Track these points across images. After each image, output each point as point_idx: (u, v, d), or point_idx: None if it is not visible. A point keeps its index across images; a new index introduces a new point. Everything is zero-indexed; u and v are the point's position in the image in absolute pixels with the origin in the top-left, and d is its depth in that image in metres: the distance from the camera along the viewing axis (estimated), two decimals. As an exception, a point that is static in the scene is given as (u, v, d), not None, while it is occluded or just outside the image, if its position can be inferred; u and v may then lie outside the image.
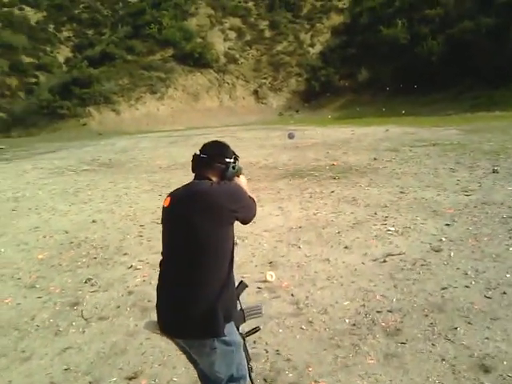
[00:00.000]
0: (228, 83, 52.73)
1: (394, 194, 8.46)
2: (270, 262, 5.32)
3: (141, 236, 6.99)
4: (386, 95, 39.01)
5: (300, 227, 6.72)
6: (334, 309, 4.01)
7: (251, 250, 5.84)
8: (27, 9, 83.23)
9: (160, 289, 2.22)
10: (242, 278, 4.92)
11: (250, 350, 2.54)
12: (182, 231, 2.14)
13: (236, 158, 2.39)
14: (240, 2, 61.79)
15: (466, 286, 4.24)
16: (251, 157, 15.89)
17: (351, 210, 7.45)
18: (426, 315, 3.76)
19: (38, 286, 5.17)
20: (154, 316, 4.08)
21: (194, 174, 2.36)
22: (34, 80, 71.92)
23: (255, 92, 52.01)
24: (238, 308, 2.45)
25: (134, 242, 6.67)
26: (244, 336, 2.47)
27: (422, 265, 4.86)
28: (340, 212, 7.40)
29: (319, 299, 4.22)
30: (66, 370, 3.37)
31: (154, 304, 4.19)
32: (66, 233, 7.60)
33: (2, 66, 70.94)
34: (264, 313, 2.67)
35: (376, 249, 5.49)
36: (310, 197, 8.76)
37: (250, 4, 61.93)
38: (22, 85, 70.26)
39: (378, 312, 3.87)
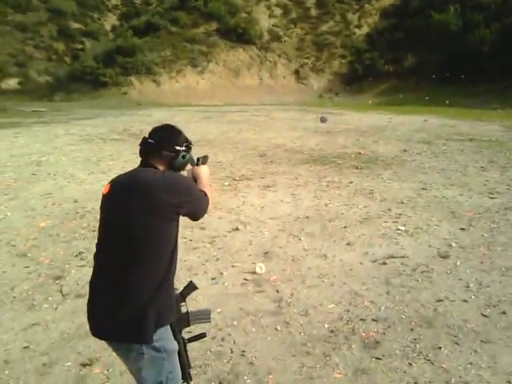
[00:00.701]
0: (269, 61, 51.98)
1: (414, 189, 8.04)
2: (266, 253, 5.10)
3: (145, 212, 6.87)
4: (430, 83, 37.62)
5: (307, 217, 6.45)
6: (316, 311, 3.76)
7: (250, 238, 5.63)
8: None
9: (91, 284, 2.03)
10: (233, 266, 4.78)
11: (193, 355, 2.35)
12: (117, 223, 1.94)
13: (188, 146, 2.16)
14: (289, -22, 60.42)
15: (464, 301, 3.91)
16: (280, 138, 15.59)
17: (365, 204, 7.11)
18: (412, 329, 3.47)
19: (29, 254, 5.13)
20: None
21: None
22: (80, 46, 73.02)
23: (296, 72, 51.11)
24: (184, 311, 2.25)
25: (136, 218, 6.56)
26: (186, 342, 2.27)
27: (423, 271, 4.53)
28: (353, 205, 7.07)
29: (304, 299, 3.98)
30: (25, 348, 3.28)
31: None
32: (75, 202, 7.58)
33: (50, 30, 72.25)
34: (211, 319, 2.44)
35: (379, 248, 5.18)
36: (327, 186, 8.44)
37: (299, -20, 60.46)
38: (69, 50, 71.46)
39: (361, 320, 3.61)
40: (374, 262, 4.80)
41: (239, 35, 52.20)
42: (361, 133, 16.99)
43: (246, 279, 4.39)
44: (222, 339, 3.36)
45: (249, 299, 3.98)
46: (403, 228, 5.88)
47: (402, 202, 7.17)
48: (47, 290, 4.21)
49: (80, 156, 12.37)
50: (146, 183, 1.93)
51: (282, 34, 54.87)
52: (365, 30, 53.14)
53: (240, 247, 5.29)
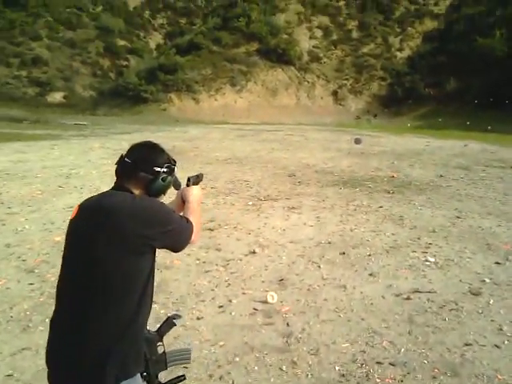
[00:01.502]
0: (308, 82, 52.03)
1: (448, 218, 7.55)
2: (281, 280, 4.77)
3: (164, 230, 6.67)
4: (472, 108, 36.61)
5: (329, 243, 6.08)
6: (328, 350, 3.40)
7: (266, 262, 5.31)
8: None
9: (51, 323, 1.76)
10: (243, 293, 4.47)
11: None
12: (79, 255, 1.69)
13: (170, 168, 1.88)
14: (331, 1, 60.67)
15: (496, 346, 3.46)
16: (311, 159, 15.31)
17: (393, 231, 6.69)
18: (434, 377, 3.06)
19: (37, 271, 4.97)
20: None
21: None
22: (124, 63, 75.25)
23: (334, 93, 50.95)
24: (161, 351, 1.96)
25: (153, 236, 6.35)
26: (163, 386, 1.98)
27: (452, 309, 4.10)
28: (380, 231, 6.66)
29: (316, 335, 3.63)
30: (8, 376, 3.05)
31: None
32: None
33: (97, 47, 74.83)
34: (192, 359, 2.14)
35: (404, 281, 4.76)
36: (355, 210, 8.05)
37: (341, 3, 60.64)
38: (114, 66, 73.73)
39: (377, 363, 3.22)
40: (398, 296, 4.39)
41: (279, 55, 52.62)
42: (396, 156, 16.50)
43: (255, 309, 4.07)
44: (220, 378, 3.04)
45: (256, 332, 3.66)
46: (432, 259, 5.44)
47: (434, 231, 6.71)
48: (46, 311, 4.00)
49: (110, 170, 12.22)
50: (114, 211, 1.67)
51: (321, 55, 55.00)
52: (406, 52, 52.64)
53: (254, 272, 4.98)
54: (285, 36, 55.65)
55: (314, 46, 55.64)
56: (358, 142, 19.46)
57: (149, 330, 1.93)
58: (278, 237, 6.37)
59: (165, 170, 1.84)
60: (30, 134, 24.32)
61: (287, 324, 3.80)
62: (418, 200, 8.93)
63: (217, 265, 5.23)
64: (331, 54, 55.09)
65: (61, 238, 6.22)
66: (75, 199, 8.69)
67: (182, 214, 2.01)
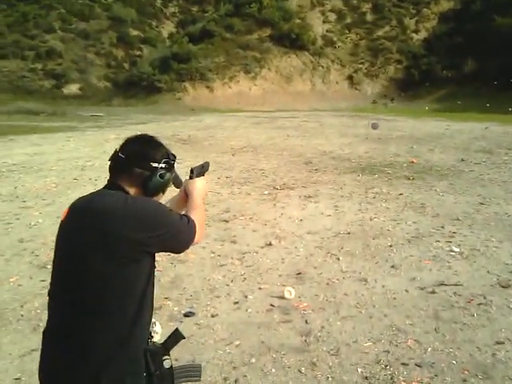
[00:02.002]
0: (322, 67, 51.29)
1: (472, 204, 7.27)
2: (298, 273, 4.59)
3: (177, 222, 6.52)
4: (492, 89, 35.70)
5: (348, 233, 5.87)
6: (349, 350, 3.22)
7: (283, 255, 5.14)
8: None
9: (43, 333, 1.61)
10: (260, 288, 4.30)
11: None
12: (68, 262, 1.53)
13: (169, 163, 1.70)
14: (344, -17, 59.51)
15: (531, 345, 3.25)
16: (328, 145, 15.02)
17: (415, 219, 6.44)
18: (465, 380, 2.86)
19: (49, 266, 4.85)
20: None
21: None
22: (138, 53, 75.04)
23: (350, 77, 50.16)
24: (167, 366, 1.79)
25: (167, 229, 6.21)
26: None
27: (480, 304, 3.88)
28: (401, 220, 6.42)
29: (336, 333, 3.45)
30: (16, 379, 2.94)
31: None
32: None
33: (110, 37, 74.70)
34: (206, 360, 1.98)
35: (428, 273, 4.54)
36: (374, 197, 7.81)
37: (355, -15, 59.42)
38: (127, 56, 73.58)
39: (402, 364, 3.03)
40: (422, 289, 4.18)
41: (292, 41, 51.86)
42: (415, 140, 16.10)
43: (272, 305, 3.90)
44: (236, 381, 2.89)
45: (273, 330, 3.49)
46: (457, 249, 5.20)
47: (458, 219, 6.45)
48: (57, 308, 3.90)
49: (125, 161, 12.28)
50: (103, 213, 1.50)
51: (335, 39, 54.09)
52: (422, 34, 51.49)
53: (271, 266, 4.81)
54: (298, 21, 54.76)
55: (327, 31, 54.71)
56: (375, 126, 19.04)
57: (154, 342, 1.76)
58: (295, 227, 6.18)
59: (163, 165, 1.66)
60: (47, 127, 24.37)
61: (306, 321, 3.63)
62: (440, 186, 8.64)
63: (232, 258, 5.07)
64: (345, 38, 54.12)
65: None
66: (89, 191, 8.58)
67: (184, 210, 1.84)
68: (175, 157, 1.76)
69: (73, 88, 63.47)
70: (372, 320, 3.64)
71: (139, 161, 1.62)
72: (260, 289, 4.25)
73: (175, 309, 3.87)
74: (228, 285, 4.36)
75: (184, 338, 1.85)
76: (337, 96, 47.41)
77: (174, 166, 1.73)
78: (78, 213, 1.57)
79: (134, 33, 77.32)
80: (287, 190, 8.43)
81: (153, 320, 3.39)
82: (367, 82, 49.38)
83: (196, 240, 1.70)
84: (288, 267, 4.77)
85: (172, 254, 5.18)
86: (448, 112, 31.54)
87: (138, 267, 1.52)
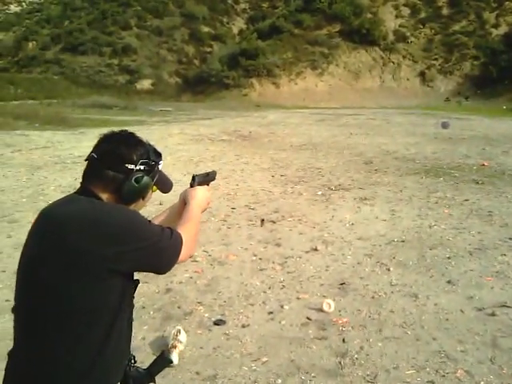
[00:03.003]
0: (393, 62, 49.59)
1: (548, 214, 6.55)
2: (342, 284, 4.24)
3: (224, 221, 6.36)
4: None
5: (403, 241, 5.43)
6: (389, 377, 2.86)
7: (328, 262, 4.80)
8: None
9: (9, 354, 1.42)
10: (298, 298, 4.01)
11: None
12: (28, 277, 1.34)
13: (150, 165, 1.46)
14: (420, -24, 57.10)
15: None
16: (392, 144, 14.34)
17: (480, 229, 5.86)
18: (522, 427, 2.45)
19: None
20: (167, 331, 3.42)
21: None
22: (208, 49, 76.33)
23: (422, 74, 48.12)
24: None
25: (213, 227, 6.07)
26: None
27: (549, 333, 3.37)
28: (464, 229, 5.87)
29: (375, 356, 3.09)
30: None
31: (182, 313, 3.47)
32: (160, 204, 7.32)
33: (182, 34, 76.56)
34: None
35: (489, 292, 4.05)
36: (436, 203, 7.24)
37: (431, -22, 56.84)
38: (198, 53, 75.08)
39: (447, 400, 2.65)
40: (480, 310, 3.71)
41: (362, 36, 50.57)
42: (489, 141, 15.02)
43: (308, 318, 3.60)
44: (256, 405, 2.64)
45: (305, 348, 3.20)
46: (526, 266, 4.64)
47: (529, 230, 5.81)
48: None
49: (184, 155, 12.36)
50: (66, 223, 1.30)
51: (408, 34, 52.09)
52: (503, 29, 48.36)
53: (313, 273, 4.49)
54: (369, 15, 53.27)
55: (400, 25, 52.75)
56: (445, 125, 18.01)
57: (137, 367, 1.55)
58: (345, 232, 5.81)
59: (140, 167, 1.42)
60: (118, 120, 25.17)
61: (343, 340, 3.30)
62: (511, 192, 7.90)
63: (273, 262, 4.80)
64: (419, 33, 51.91)
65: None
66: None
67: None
68: (160, 156, 1.53)
69: (145, 83, 65.69)
70: (418, 343, 3.25)
71: (112, 162, 1.40)
72: (298, 298, 3.96)
73: (206, 315, 3.67)
74: (265, 292, 4.10)
75: (172, 363, 1.62)
76: (407, 93, 45.68)
77: (155, 168, 1.50)
78: (43, 221, 1.38)
79: (205, 29, 78.72)
80: (342, 191, 8.03)
81: (178, 327, 3.22)
82: (440, 79, 47.15)
83: (182, 258, 1.45)
84: (332, 276, 4.44)
85: (212, 255, 5.02)
86: (528, 111, 29.41)
87: (105, 289, 1.30)
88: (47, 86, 49.38)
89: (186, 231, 1.48)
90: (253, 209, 6.99)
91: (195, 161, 11.55)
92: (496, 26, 49.21)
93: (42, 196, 7.50)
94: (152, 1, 77.44)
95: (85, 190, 1.41)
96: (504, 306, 3.78)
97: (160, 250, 1.38)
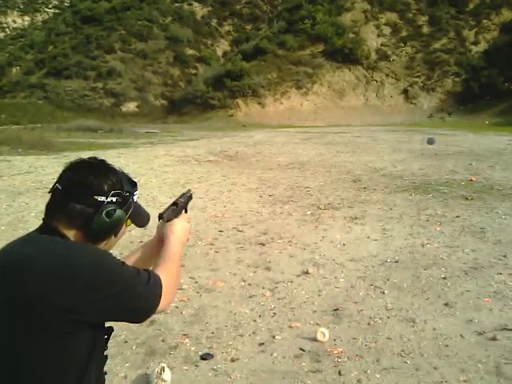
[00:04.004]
0: (376, 81, 50.23)
1: (540, 230, 6.45)
2: (335, 310, 4.05)
3: (212, 245, 6.15)
4: (560, 102, 33.45)
5: (396, 262, 5.26)
6: (389, 413, 2.67)
7: (320, 286, 4.61)
8: (195, 4, 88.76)
9: None
10: (290, 327, 3.80)
11: None
12: None
13: (121, 196, 1.29)
14: (399, -3, 58.30)
15: None
16: (379, 161, 14.31)
17: (473, 247, 5.73)
18: None
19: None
20: (151, 368, 3.18)
21: None
22: (193, 71, 76.80)
23: (405, 91, 48.78)
24: None
25: (200, 251, 5.85)
26: None
27: (555, 357, 3.21)
28: (457, 247, 5.73)
29: (374, 389, 2.90)
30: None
31: (167, 347, 3.24)
32: (144, 229, 7.10)
33: (167, 57, 77.00)
34: None
35: (488, 314, 3.88)
36: (427, 220, 7.12)
37: (410, -2, 58.10)
38: (183, 75, 75.46)
39: None
40: (480, 335, 3.54)
41: (345, 56, 51.28)
42: (475, 156, 15.08)
43: (302, 349, 3.40)
44: None
45: (299, 383, 2.99)
46: (524, 285, 4.49)
47: (524, 247, 5.69)
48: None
49: (170, 178, 12.17)
50: (23, 268, 1.11)
51: (390, 52, 52.95)
52: (482, 46, 49.40)
53: (305, 299, 4.30)
54: (351, 35, 54.07)
55: (382, 44, 53.59)
56: (431, 141, 18.10)
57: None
58: (337, 253, 5.64)
59: (112, 199, 1.25)
60: (102, 143, 24.95)
61: (339, 372, 3.09)
62: (502, 208, 7.81)
63: (263, 288, 4.60)
64: (400, 52, 52.77)
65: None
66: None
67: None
68: (135, 186, 1.35)
69: (131, 106, 65.68)
70: (419, 373, 3.06)
71: (79, 194, 1.22)
72: (290, 327, 3.75)
73: (192, 349, 3.44)
74: (255, 321, 3.89)
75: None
76: (391, 110, 46.18)
77: (129, 200, 1.32)
78: (3, 262, 1.18)
79: (190, 52, 79.33)
80: (332, 211, 7.88)
81: (162, 365, 2.99)
82: (423, 96, 47.78)
83: (162, 306, 1.25)
84: (324, 301, 4.24)
85: (199, 281, 4.80)
86: (510, 126, 29.78)
87: (70, 341, 1.11)
88: (31, 111, 49.07)
89: (166, 273, 1.30)
90: (241, 231, 6.80)
91: (182, 182, 11.36)
92: (475, 43, 50.25)
93: (21, 223, 7.22)
94: (136, 24, 77.97)
95: (47, 226, 1.22)
96: (505, 329, 3.61)
97: (135, 297, 1.19)
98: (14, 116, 43.61)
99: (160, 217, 1.54)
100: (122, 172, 1.35)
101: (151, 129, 38.31)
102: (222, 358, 3.32)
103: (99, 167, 1.30)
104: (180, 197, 1.66)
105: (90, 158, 1.32)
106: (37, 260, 1.11)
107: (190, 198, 1.68)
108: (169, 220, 1.53)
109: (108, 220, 1.23)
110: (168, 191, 10.19)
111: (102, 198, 1.23)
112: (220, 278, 4.89)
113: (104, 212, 1.22)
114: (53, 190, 1.25)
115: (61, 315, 1.07)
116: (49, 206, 1.25)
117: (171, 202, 1.61)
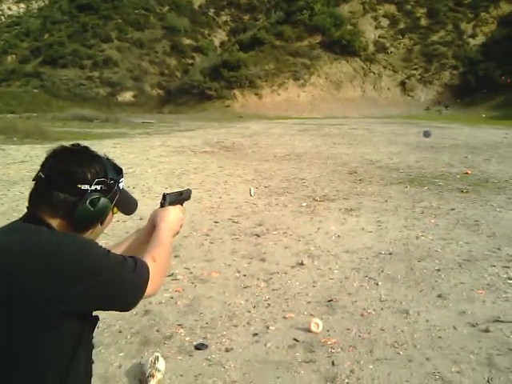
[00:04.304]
0: (374, 73, 50.17)
1: (534, 223, 6.48)
2: (329, 301, 4.06)
3: (207, 235, 6.15)
4: (556, 96, 33.51)
5: (390, 254, 5.28)
6: (381, 403, 2.69)
7: (315, 277, 4.62)
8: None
9: None
10: (284, 317, 3.81)
11: None
12: None
13: (106, 183, 1.25)
14: (398, -12, 58.08)
15: None
16: (375, 154, 14.32)
17: (467, 239, 5.76)
18: None
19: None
20: (145, 357, 3.20)
21: None
22: (190, 61, 76.39)
23: (402, 83, 48.79)
24: None
25: (194, 242, 5.85)
26: None
27: (546, 349, 3.24)
28: (451, 240, 5.76)
29: (367, 379, 2.91)
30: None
31: (162, 336, 3.25)
32: (140, 219, 7.07)
33: (164, 46, 76.51)
34: None
35: (481, 306, 3.91)
36: (422, 212, 7.14)
37: (409, -10, 57.88)
38: (180, 65, 75.05)
39: (445, 428, 2.48)
40: (473, 326, 3.56)
41: (343, 47, 51.14)
42: (470, 149, 15.11)
43: (295, 340, 3.41)
44: None
45: (292, 373, 3.00)
46: (517, 277, 4.52)
47: (518, 240, 5.72)
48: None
49: (166, 168, 12.14)
50: (6, 258, 1.10)
51: (388, 45, 52.86)
52: (480, 39, 49.38)
53: (299, 290, 4.31)
54: (349, 27, 53.93)
55: (379, 36, 53.50)
56: (427, 134, 18.11)
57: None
58: (332, 245, 5.65)
59: (96, 187, 1.22)
60: (98, 133, 24.84)
61: (332, 363, 3.11)
62: (497, 201, 7.85)
63: (258, 279, 4.61)
64: (398, 44, 52.71)
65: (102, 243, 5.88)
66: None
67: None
68: (120, 172, 1.33)
69: (127, 95, 65.36)
70: (411, 364, 3.08)
71: (62, 182, 1.19)
72: (284, 318, 3.77)
73: (187, 339, 3.45)
74: (249, 311, 3.90)
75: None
76: (388, 103, 46.17)
77: (115, 188, 1.29)
78: None
79: (187, 41, 78.80)
80: (327, 202, 7.89)
81: (156, 354, 3.00)
82: (420, 89, 47.82)
83: (148, 293, 1.25)
84: (319, 292, 4.26)
85: (194, 272, 4.81)
86: (506, 120, 29.84)
87: (57, 332, 1.10)
88: (27, 100, 48.81)
89: (153, 259, 1.29)
90: (236, 222, 6.80)
91: (177, 173, 11.33)
92: (473, 36, 50.23)
93: (16, 213, 7.19)
94: (133, 13, 77.32)
95: (31, 215, 1.21)
96: (497, 320, 3.63)
97: (121, 285, 1.18)
98: (9, 105, 43.40)
99: (164, 197, 1.56)
100: (107, 159, 1.32)
101: (147, 119, 38.18)
102: (216, 348, 3.33)
103: (82, 154, 1.27)
104: (184, 190, 1.67)
105: (73, 145, 1.28)
106: (23, 250, 1.10)
107: (190, 196, 1.69)
108: (171, 203, 1.53)
109: (92, 209, 1.20)
110: (164, 181, 10.17)
111: (86, 187, 1.21)
112: (215, 269, 4.89)
113: (88, 201, 1.20)
114: (36, 179, 1.24)
115: (46, 305, 1.07)
116: (32, 195, 1.23)
117: (178, 190, 1.64)
